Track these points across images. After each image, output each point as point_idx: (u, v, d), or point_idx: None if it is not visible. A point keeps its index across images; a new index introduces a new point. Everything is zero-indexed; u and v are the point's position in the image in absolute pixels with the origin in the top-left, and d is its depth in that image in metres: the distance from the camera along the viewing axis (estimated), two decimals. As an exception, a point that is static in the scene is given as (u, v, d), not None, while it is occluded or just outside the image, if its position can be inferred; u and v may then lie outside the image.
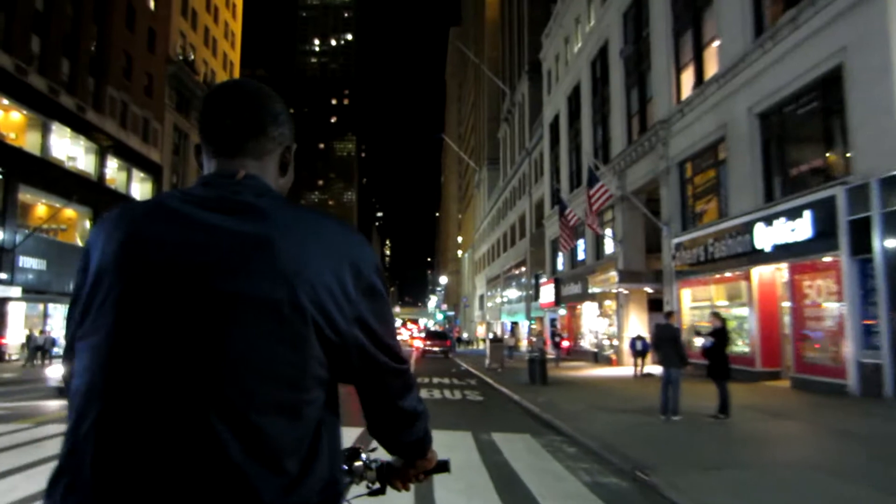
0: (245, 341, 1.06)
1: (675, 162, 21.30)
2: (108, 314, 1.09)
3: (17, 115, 28.95)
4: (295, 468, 1.08)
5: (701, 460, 7.40)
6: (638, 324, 24.91)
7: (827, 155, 14.41)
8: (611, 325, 27.89)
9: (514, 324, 52.03)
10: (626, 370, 22.49)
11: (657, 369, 16.78)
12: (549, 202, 39.15)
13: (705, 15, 19.70)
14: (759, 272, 16.46)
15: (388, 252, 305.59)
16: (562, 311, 36.12)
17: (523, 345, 40.83)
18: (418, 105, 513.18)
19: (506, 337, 39.28)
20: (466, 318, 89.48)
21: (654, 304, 24.39)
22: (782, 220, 14.62)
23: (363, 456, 1.61)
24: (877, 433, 9.25)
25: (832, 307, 13.50)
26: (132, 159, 37.98)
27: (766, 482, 6.35)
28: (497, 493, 5.98)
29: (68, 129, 31.44)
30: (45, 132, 29.83)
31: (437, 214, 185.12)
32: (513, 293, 54.00)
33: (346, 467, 1.58)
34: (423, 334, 51.40)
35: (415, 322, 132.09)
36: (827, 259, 13.45)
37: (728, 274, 17.81)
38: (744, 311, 17.25)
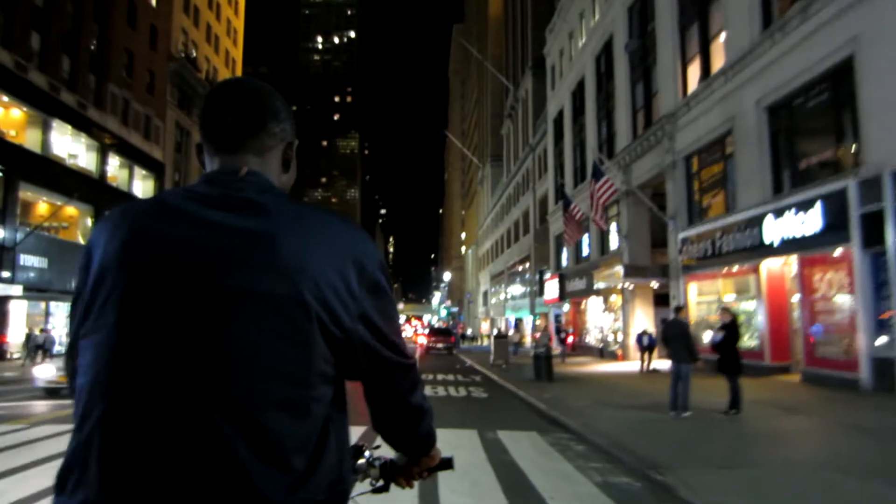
0: (248, 337, 1.06)
1: (682, 156, 21.06)
2: (112, 312, 1.09)
3: (17, 113, 28.80)
4: (302, 465, 1.08)
5: (714, 458, 7.20)
6: (644, 319, 24.69)
7: (837, 147, 14.17)
8: (616, 321, 27.69)
9: (519, 320, 51.89)
10: (633, 365, 22.29)
11: (664, 364, 16.65)
12: (553, 198, 38.90)
13: (712, 7, 19.42)
14: (768, 266, 16.23)
15: (391, 249, 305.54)
16: (566, 307, 35.92)
17: (527, 341, 40.62)
18: (421, 102, 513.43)
19: (510, 333, 39.10)
20: (470, 314, 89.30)
21: (660, 299, 24.19)
22: (792, 212, 14.38)
23: (367, 453, 1.60)
24: (891, 428, 9.05)
25: (843, 300, 13.27)
26: (134, 157, 37.83)
27: (782, 481, 6.15)
28: (504, 493, 5.78)
29: (69, 127, 31.26)
30: (46, 129, 29.64)
31: (441, 211, 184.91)
32: (517, 289, 53.84)
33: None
34: (426, 331, 51.29)
35: (419, 319, 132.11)
36: (838, 252, 13.21)
37: (736, 268, 17.58)
38: (752, 306, 17.04)
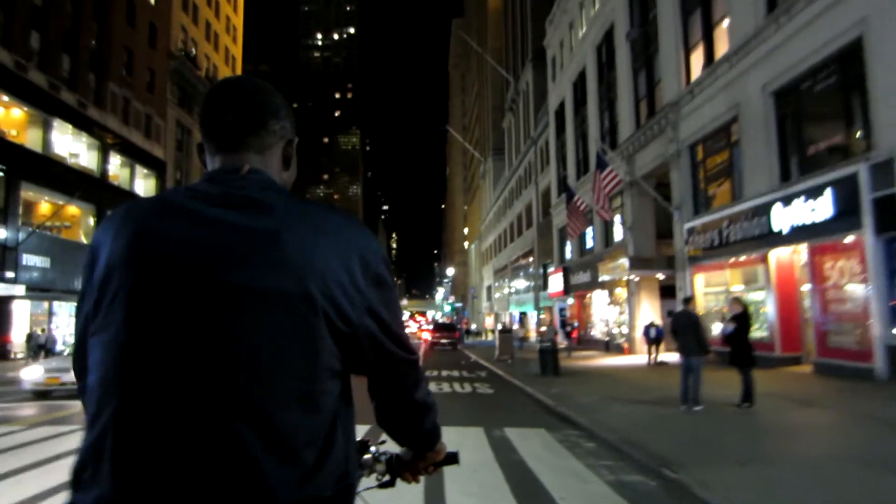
0: (256, 333, 1.07)
1: (686, 145, 20.76)
2: (119, 310, 1.10)
3: (17, 112, 28.70)
4: (311, 460, 1.09)
5: (729, 454, 6.96)
6: (650, 311, 24.43)
7: (846, 131, 13.87)
8: (622, 313, 27.45)
9: (523, 314, 51.66)
10: (639, 358, 22.07)
11: (671, 357, 16.41)
12: (555, 190, 38.61)
13: (715, -8, 19.12)
14: (777, 255, 15.96)
15: (394, 245, 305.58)
16: (571, 301, 35.69)
17: (532, 335, 40.41)
18: (422, 97, 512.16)
19: (515, 327, 38.89)
20: (474, 309, 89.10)
21: (666, 291, 23.92)
22: (801, 199, 14.09)
23: (372, 448, 1.62)
24: (910, 420, 8.80)
25: (855, 288, 13.00)
26: (135, 155, 37.69)
27: (801, 477, 5.91)
28: (513, 495, 5.55)
29: (70, 126, 31.14)
30: (47, 129, 29.54)
31: (443, 206, 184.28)
32: (521, 283, 53.62)
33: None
34: (431, 326, 51.15)
35: (423, 314, 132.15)
36: (849, 239, 12.93)
37: (744, 257, 17.30)
38: (761, 296, 16.77)
